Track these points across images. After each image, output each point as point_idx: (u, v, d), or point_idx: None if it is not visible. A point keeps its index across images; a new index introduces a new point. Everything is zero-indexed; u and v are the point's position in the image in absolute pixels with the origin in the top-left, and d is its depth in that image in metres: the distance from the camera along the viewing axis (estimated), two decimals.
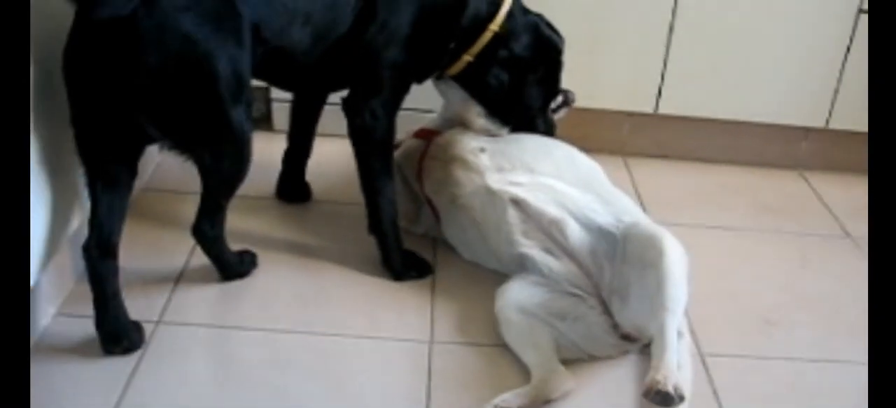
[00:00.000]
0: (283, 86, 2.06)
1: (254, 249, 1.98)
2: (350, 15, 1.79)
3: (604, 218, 1.82)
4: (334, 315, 1.82)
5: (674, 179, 2.57)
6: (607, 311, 1.74)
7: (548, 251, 1.82)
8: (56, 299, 1.78)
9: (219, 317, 1.80)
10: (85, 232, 1.86)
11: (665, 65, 2.52)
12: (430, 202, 2.08)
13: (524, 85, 2.02)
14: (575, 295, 1.76)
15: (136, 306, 1.78)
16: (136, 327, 1.71)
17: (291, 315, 1.81)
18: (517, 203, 1.86)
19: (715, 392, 1.68)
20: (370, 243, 2.02)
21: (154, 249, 1.99)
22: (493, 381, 1.66)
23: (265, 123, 2.65)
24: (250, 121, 1.71)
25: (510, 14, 1.95)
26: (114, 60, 1.54)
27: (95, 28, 1.53)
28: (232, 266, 1.91)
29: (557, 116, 2.18)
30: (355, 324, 1.79)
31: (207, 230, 1.81)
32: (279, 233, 2.11)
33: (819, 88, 2.55)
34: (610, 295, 1.74)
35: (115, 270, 1.68)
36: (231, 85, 1.61)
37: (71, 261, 1.83)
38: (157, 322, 1.76)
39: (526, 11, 2.01)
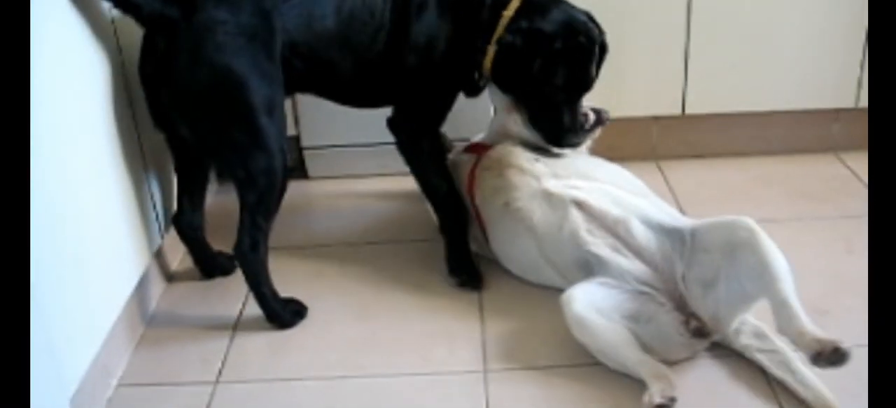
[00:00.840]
0: (333, 98, 2.12)
1: (298, 295, 2.01)
2: (384, 37, 1.92)
3: (665, 218, 1.86)
4: (386, 356, 1.84)
5: (708, 178, 2.56)
6: (678, 307, 1.75)
7: (615, 250, 1.83)
8: (117, 370, 1.82)
9: (274, 370, 1.83)
10: (140, 308, 1.92)
11: (686, 65, 2.52)
12: (478, 216, 2.10)
13: (547, 60, 1.94)
14: (644, 293, 1.77)
15: (193, 369, 1.83)
16: (225, 262, 2.13)
17: (345, 361, 1.83)
18: (579, 204, 1.88)
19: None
20: (413, 278, 2.07)
21: (206, 306, 2.04)
22: (550, 404, 1.67)
23: (299, 171, 2.69)
24: (283, 135, 1.84)
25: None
26: (158, 66, 1.77)
27: (148, 36, 1.79)
28: (274, 309, 1.94)
29: (593, 136, 2.19)
30: (408, 363, 1.81)
31: (246, 249, 1.86)
32: (322, 278, 2.14)
33: (844, 67, 2.53)
34: (688, 285, 1.75)
35: (199, 225, 2.07)
36: (261, 95, 1.77)
37: (127, 332, 1.88)
38: (216, 383, 1.79)
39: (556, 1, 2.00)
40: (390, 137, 2.28)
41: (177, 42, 1.73)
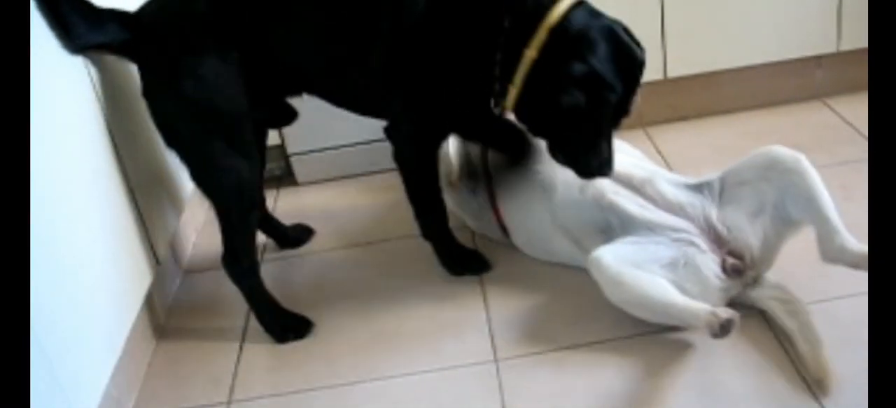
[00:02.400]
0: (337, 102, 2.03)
1: (301, 304, 2.00)
2: (378, 57, 1.78)
3: (686, 178, 1.87)
4: (396, 356, 1.83)
5: (697, 139, 2.55)
6: (714, 249, 1.74)
7: (643, 208, 1.81)
8: (128, 401, 1.80)
9: (285, 384, 1.81)
10: (144, 336, 1.90)
11: (663, 28, 2.50)
12: (489, 182, 2.07)
13: (601, 101, 1.66)
14: (678, 239, 1.75)
15: (205, 390, 1.83)
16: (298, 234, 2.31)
17: (355, 366, 1.82)
18: None
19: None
20: (413, 273, 2.07)
21: (210, 325, 2.03)
22: (564, 386, 1.67)
23: (288, 178, 2.67)
24: (246, 149, 1.81)
25: (563, 29, 1.65)
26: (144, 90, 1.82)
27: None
28: (267, 322, 1.94)
29: None
30: (419, 360, 1.80)
31: (229, 262, 1.88)
32: (324, 284, 2.13)
33: (822, 12, 2.52)
34: (727, 223, 1.76)
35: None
36: (210, 117, 1.76)
37: (135, 360, 1.86)
38: (228, 403, 1.78)
39: (596, 14, 1.69)
40: (374, 135, 2.27)
41: (140, 67, 1.80)
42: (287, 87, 1.98)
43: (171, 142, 1.84)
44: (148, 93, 1.80)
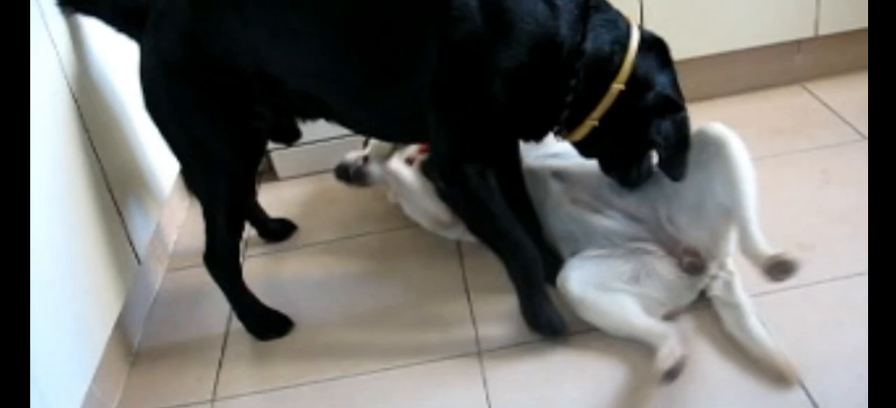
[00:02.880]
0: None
1: (284, 300, 1.99)
2: (425, 77, 1.58)
3: None
4: (380, 350, 1.82)
5: None
6: (669, 251, 1.75)
7: (598, 212, 1.82)
8: (111, 402, 1.79)
9: (269, 381, 1.81)
10: (127, 335, 1.88)
11: (642, 15, 2.49)
12: None
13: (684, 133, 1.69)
14: (636, 250, 1.76)
15: (188, 390, 1.81)
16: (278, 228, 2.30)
17: (339, 361, 1.81)
18: (558, 174, 1.88)
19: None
20: (396, 267, 2.06)
21: (193, 323, 2.02)
22: (548, 377, 1.67)
23: (269, 173, 2.66)
24: (224, 157, 1.77)
25: (638, 59, 1.63)
26: None
27: None
28: (246, 321, 1.93)
29: None
30: (403, 353, 1.80)
31: (213, 264, 1.88)
32: (306, 280, 2.12)
33: None
34: (675, 221, 1.76)
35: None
36: (181, 126, 1.74)
37: (118, 361, 1.85)
38: (212, 401, 1.77)
39: (654, 37, 1.69)
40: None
41: (141, 54, 1.76)
42: (298, 113, 1.87)
43: (165, 137, 1.81)
44: (145, 87, 1.76)
